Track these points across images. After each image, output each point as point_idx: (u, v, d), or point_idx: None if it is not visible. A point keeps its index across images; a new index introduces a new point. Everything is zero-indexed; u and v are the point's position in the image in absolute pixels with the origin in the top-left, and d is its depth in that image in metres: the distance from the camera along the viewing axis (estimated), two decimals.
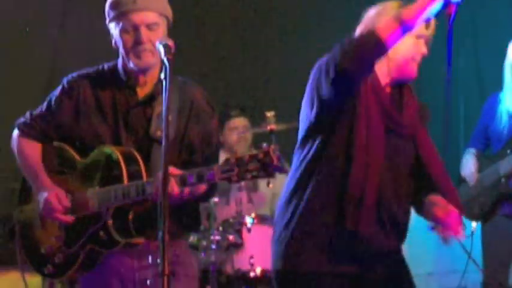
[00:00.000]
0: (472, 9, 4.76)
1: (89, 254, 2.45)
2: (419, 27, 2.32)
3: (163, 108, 2.09)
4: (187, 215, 2.54)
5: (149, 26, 2.43)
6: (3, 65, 4.27)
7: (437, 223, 2.35)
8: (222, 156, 4.57)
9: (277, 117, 3.96)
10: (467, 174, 3.92)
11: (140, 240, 2.42)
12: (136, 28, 2.42)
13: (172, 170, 2.26)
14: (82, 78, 2.55)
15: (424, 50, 2.41)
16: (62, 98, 2.54)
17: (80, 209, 2.47)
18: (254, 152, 2.13)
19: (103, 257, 2.46)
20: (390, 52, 2.26)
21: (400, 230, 2.43)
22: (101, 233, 2.40)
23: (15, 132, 2.62)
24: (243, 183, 4.35)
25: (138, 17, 2.41)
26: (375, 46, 2.19)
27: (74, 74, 2.58)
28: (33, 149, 2.57)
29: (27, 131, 2.58)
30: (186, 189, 2.31)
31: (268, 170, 2.11)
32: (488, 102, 3.95)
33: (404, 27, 2.19)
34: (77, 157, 2.52)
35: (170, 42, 2.23)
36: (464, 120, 4.73)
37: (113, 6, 2.47)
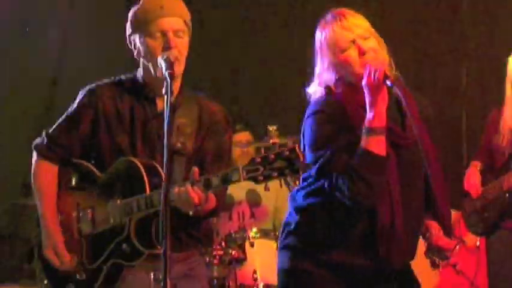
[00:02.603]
0: (473, 23, 4.78)
1: (112, 269, 2.43)
2: (340, 41, 2.27)
3: (165, 123, 2.09)
4: (200, 229, 2.53)
5: (176, 33, 2.42)
6: (6, 73, 4.27)
7: (433, 249, 2.38)
8: None
9: (279, 131, 3.96)
10: (470, 188, 3.91)
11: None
12: (164, 34, 2.40)
13: (196, 173, 2.25)
14: (100, 88, 2.53)
15: (362, 49, 2.27)
16: (81, 109, 2.52)
17: (102, 223, 2.46)
18: (280, 149, 2.07)
19: (124, 272, 2.43)
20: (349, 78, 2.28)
21: (417, 244, 2.41)
22: (124, 245, 2.38)
23: (34, 154, 2.59)
24: (245, 197, 4.37)
25: (166, 23, 2.41)
26: (380, 166, 2.21)
27: (92, 85, 2.56)
28: (47, 173, 2.54)
29: (44, 153, 2.55)
30: (195, 196, 2.27)
31: (294, 167, 2.04)
32: (491, 117, 3.95)
33: (381, 129, 2.21)
34: (96, 172, 2.50)
35: (172, 57, 2.24)
36: (466, 134, 4.72)
37: (139, 15, 2.46)
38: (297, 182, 4.02)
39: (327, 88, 2.36)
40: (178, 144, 2.43)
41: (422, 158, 2.32)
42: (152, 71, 2.43)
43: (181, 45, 2.42)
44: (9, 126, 3.99)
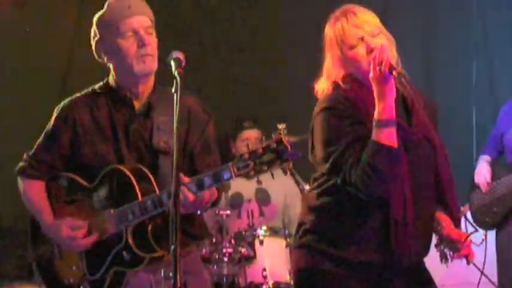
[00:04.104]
0: (484, 16, 4.75)
1: (114, 277, 2.44)
2: (349, 38, 2.29)
3: (174, 121, 2.09)
4: (194, 225, 2.55)
5: (146, 30, 2.46)
6: (16, 75, 4.27)
7: (445, 242, 2.37)
8: None
9: (288, 129, 3.94)
10: (480, 182, 3.88)
11: (163, 252, 2.41)
12: (135, 32, 2.43)
13: (183, 178, 2.24)
14: (74, 103, 2.56)
15: (370, 46, 2.28)
16: (58, 127, 2.54)
17: (96, 234, 2.46)
18: (266, 143, 2.10)
19: (127, 277, 2.44)
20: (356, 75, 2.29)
21: (430, 240, 2.42)
22: (124, 253, 2.40)
23: (18, 178, 2.61)
24: (254, 196, 4.37)
25: (136, 21, 2.44)
26: (393, 157, 2.21)
27: (65, 102, 2.58)
28: (36, 189, 2.57)
29: (29, 173, 2.58)
30: (206, 194, 2.31)
31: (283, 157, 2.08)
32: (504, 110, 3.91)
33: (391, 121, 2.21)
34: (85, 183, 2.51)
35: (181, 56, 2.24)
36: (476, 128, 4.70)
37: (106, 17, 2.47)
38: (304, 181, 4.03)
39: (335, 84, 2.37)
40: (162, 144, 2.45)
41: (431, 153, 2.34)
42: (127, 71, 2.44)
43: (153, 42, 2.46)
44: (30, 120, 4.00)
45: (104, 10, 2.50)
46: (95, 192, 2.48)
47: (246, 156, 2.11)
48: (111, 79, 2.55)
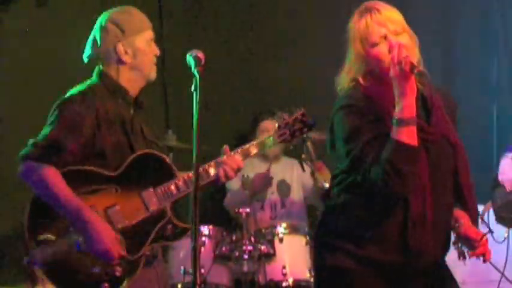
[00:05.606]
0: (505, 12, 4.71)
1: (149, 254, 2.56)
2: (372, 36, 2.29)
3: (194, 119, 2.13)
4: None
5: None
6: (37, 75, 4.31)
7: (462, 239, 2.37)
8: (255, 161, 4.56)
9: None
10: (504, 179, 3.85)
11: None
12: (152, 42, 2.66)
13: (227, 149, 2.66)
14: (89, 92, 2.57)
15: (394, 41, 2.27)
16: (81, 113, 2.51)
17: (137, 214, 2.52)
18: (293, 115, 2.75)
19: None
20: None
21: (449, 238, 2.42)
22: (169, 227, 2.56)
23: (28, 163, 2.46)
24: (276, 188, 4.41)
25: (151, 34, 2.67)
26: (413, 155, 2.22)
27: (74, 93, 2.57)
28: (62, 179, 2.46)
29: (51, 160, 2.45)
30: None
31: (308, 125, 2.74)
32: None
33: (411, 119, 2.21)
34: (105, 172, 2.52)
35: (200, 54, 2.27)
36: (497, 126, 4.66)
37: (135, 23, 2.62)
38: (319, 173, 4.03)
39: (356, 80, 2.37)
40: (150, 135, 2.68)
41: (450, 152, 2.33)
42: (142, 73, 2.62)
43: None
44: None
45: (129, 14, 2.63)
46: (122, 178, 2.53)
47: (283, 126, 2.72)
48: (113, 78, 2.61)
